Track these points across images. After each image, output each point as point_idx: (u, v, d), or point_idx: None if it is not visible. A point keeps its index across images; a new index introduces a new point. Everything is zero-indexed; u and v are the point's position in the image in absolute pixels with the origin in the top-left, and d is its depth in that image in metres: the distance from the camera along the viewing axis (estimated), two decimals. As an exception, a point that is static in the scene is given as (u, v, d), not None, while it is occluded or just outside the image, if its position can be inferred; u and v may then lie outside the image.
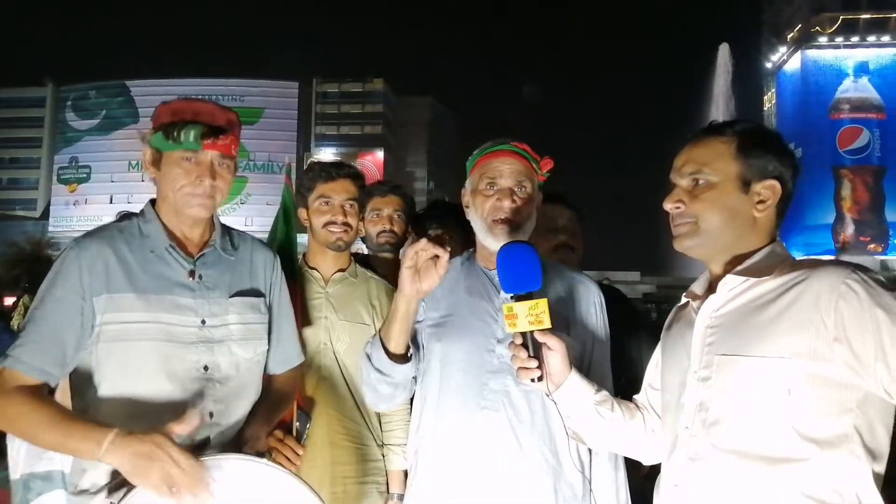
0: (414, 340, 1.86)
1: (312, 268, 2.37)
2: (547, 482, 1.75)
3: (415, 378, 1.87)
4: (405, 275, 1.70)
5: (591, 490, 1.80)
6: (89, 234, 1.71)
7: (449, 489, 1.78)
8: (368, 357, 1.81)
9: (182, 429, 1.49)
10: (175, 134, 1.65)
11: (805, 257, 1.50)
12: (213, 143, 1.68)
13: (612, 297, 2.54)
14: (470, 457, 1.76)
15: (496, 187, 1.84)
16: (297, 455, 2.01)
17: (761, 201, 1.43)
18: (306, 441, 2.09)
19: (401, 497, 2.23)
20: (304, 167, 2.79)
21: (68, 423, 1.51)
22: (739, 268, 1.44)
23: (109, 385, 1.61)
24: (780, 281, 1.38)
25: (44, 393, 1.56)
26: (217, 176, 1.70)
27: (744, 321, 1.39)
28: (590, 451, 1.82)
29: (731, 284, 1.43)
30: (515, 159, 1.86)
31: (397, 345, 1.77)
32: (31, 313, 1.62)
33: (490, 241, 1.85)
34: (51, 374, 1.58)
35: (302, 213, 2.38)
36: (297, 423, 2.07)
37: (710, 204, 1.45)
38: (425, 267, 1.70)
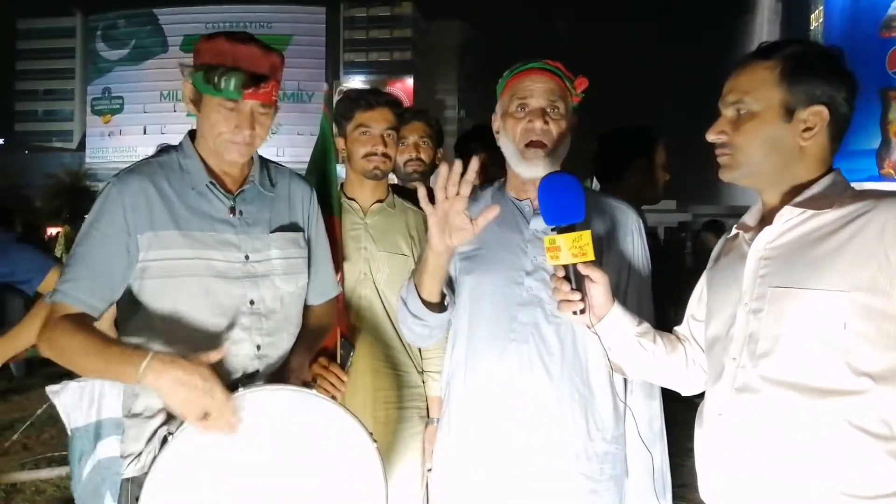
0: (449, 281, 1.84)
1: (351, 198, 2.34)
2: (577, 410, 1.76)
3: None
4: (432, 226, 1.62)
5: (628, 413, 1.80)
6: (130, 170, 1.70)
7: (480, 420, 1.80)
8: (404, 301, 1.80)
9: (215, 357, 1.52)
10: (216, 80, 1.60)
11: (864, 186, 1.44)
12: (255, 92, 1.63)
13: None
14: (500, 388, 1.77)
15: (527, 108, 1.77)
16: (342, 381, 2.06)
17: (807, 129, 1.36)
18: (350, 368, 2.13)
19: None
20: (335, 95, 2.74)
21: (108, 348, 1.53)
22: (798, 199, 1.38)
23: (158, 321, 1.63)
24: (842, 213, 1.32)
25: (85, 321, 1.59)
26: (257, 124, 1.67)
27: (801, 253, 1.34)
28: (624, 380, 1.82)
29: (788, 216, 1.38)
30: (548, 77, 1.78)
31: (430, 293, 1.75)
32: (75, 249, 1.63)
33: (522, 168, 1.79)
34: (97, 308, 1.61)
35: (339, 142, 2.34)
36: (342, 351, 2.11)
37: (751, 136, 1.39)
38: (458, 222, 1.60)
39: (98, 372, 1.60)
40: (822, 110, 1.36)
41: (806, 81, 1.36)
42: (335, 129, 2.35)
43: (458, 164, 1.56)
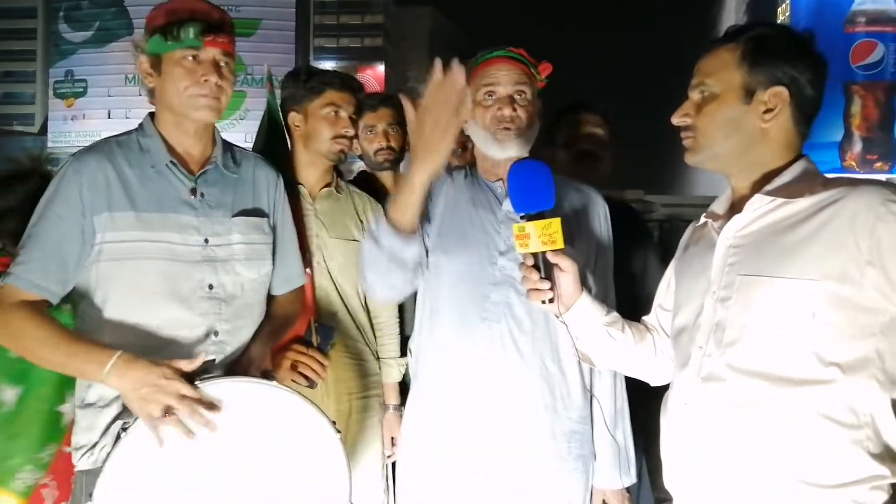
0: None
1: (299, 183, 2.25)
2: (546, 389, 1.78)
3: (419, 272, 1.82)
4: (417, 144, 1.61)
5: (592, 397, 1.84)
6: (88, 150, 1.65)
7: (449, 397, 1.81)
8: (377, 242, 1.71)
9: (189, 367, 1.49)
10: (175, 32, 1.59)
11: (837, 175, 1.44)
12: (214, 39, 1.62)
13: (623, 214, 2.49)
14: (471, 367, 1.78)
15: (495, 96, 1.78)
16: (323, 366, 2.03)
17: (768, 110, 1.36)
18: (330, 352, 2.10)
19: (396, 407, 2.30)
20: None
21: (72, 342, 1.51)
22: (768, 187, 1.37)
23: (112, 305, 1.59)
24: (813, 201, 1.31)
25: (45, 311, 1.55)
26: (221, 75, 1.64)
27: (770, 241, 1.34)
28: None
29: (759, 204, 1.37)
30: (513, 65, 1.80)
31: (412, 226, 1.71)
32: (30, 230, 1.58)
33: (494, 149, 1.80)
34: (52, 293, 1.56)
35: (294, 118, 2.24)
36: (318, 336, 2.08)
37: (710, 117, 1.39)
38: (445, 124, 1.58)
39: (58, 366, 1.56)
40: (783, 91, 1.35)
41: (767, 63, 1.35)
42: (289, 105, 2.26)
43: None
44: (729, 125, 1.38)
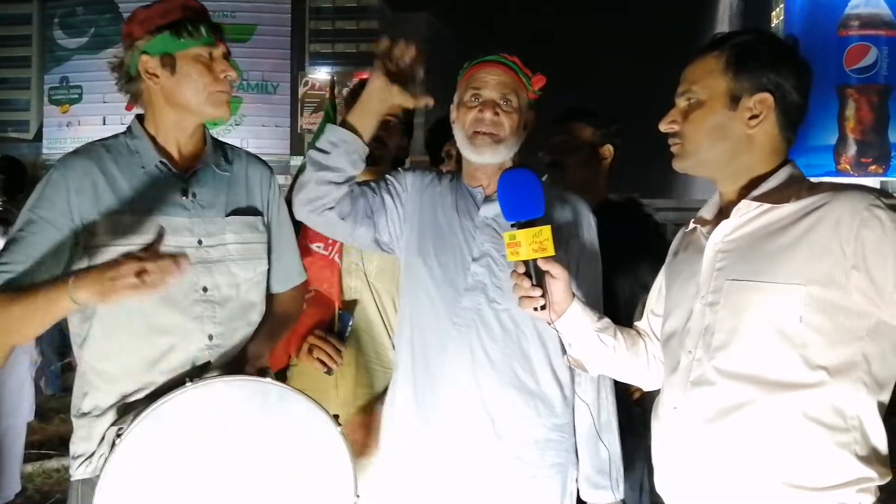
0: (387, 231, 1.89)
1: None
2: (518, 397, 1.77)
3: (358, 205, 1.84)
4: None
5: (577, 402, 1.82)
6: (75, 153, 1.63)
7: (421, 405, 1.81)
8: (317, 143, 1.79)
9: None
10: (189, 30, 1.59)
11: (821, 179, 1.46)
12: (221, 37, 1.65)
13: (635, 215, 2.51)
14: (442, 372, 1.78)
15: (480, 99, 1.79)
16: (339, 352, 2.04)
17: (753, 116, 1.37)
18: (348, 339, 2.11)
19: None
20: (301, 87, 2.66)
21: (32, 298, 1.45)
22: (755, 193, 1.39)
23: (104, 311, 1.56)
24: (798, 206, 1.33)
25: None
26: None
27: (757, 247, 1.35)
28: (570, 370, 1.81)
29: (745, 210, 1.39)
30: (503, 71, 1.80)
31: (359, 131, 1.78)
32: (15, 234, 1.54)
33: (471, 153, 1.81)
34: None
35: None
36: (339, 323, 2.10)
37: (697, 124, 1.41)
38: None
39: (37, 324, 1.51)
40: (767, 97, 1.37)
41: (752, 69, 1.37)
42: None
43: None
44: (715, 131, 1.40)
